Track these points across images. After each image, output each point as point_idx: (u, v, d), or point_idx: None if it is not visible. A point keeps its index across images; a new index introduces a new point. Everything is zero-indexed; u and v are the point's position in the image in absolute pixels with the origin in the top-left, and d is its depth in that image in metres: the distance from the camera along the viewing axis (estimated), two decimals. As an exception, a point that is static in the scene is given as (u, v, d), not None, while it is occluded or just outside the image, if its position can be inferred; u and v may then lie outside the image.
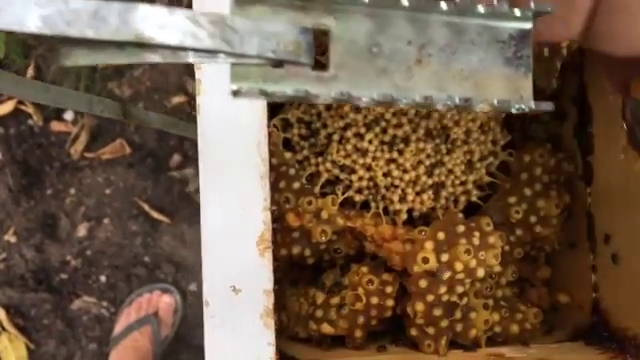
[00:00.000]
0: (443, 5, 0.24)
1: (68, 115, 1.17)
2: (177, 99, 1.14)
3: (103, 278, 1.17)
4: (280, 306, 0.47)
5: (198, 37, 0.21)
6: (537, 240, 0.45)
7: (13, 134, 1.17)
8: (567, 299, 0.46)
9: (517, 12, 0.25)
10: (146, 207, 1.13)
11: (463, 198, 0.45)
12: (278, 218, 0.44)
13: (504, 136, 0.45)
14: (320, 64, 0.23)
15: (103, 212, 1.18)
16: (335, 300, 0.44)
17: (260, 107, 0.33)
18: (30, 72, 1.10)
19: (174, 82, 1.15)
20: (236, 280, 0.33)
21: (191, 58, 0.22)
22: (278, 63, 0.23)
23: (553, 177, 0.45)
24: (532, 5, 0.25)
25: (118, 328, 1.11)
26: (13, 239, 1.18)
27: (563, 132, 0.48)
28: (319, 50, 0.23)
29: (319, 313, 0.44)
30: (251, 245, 0.34)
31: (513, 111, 0.25)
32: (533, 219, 0.43)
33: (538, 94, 0.45)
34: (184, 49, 0.22)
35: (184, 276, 1.16)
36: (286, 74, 0.23)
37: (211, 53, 0.21)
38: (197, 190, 1.11)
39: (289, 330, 0.46)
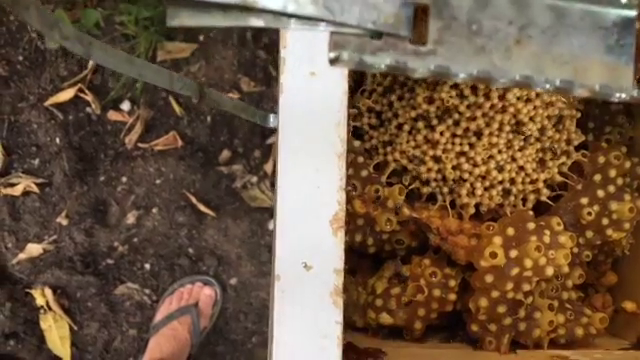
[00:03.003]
0: None
1: (125, 105, 1.20)
2: (231, 96, 1.15)
3: (147, 266, 1.19)
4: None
5: (300, 3, 0.22)
6: (607, 244, 0.44)
7: (72, 120, 1.21)
8: (633, 307, 0.45)
9: None
10: (193, 200, 1.15)
11: (532, 197, 0.44)
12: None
13: (578, 136, 0.44)
14: (419, 39, 0.23)
15: (152, 202, 1.20)
16: (396, 290, 0.44)
17: (341, 87, 0.34)
18: (91, 62, 1.13)
19: (229, 79, 1.16)
20: (308, 257, 0.34)
21: (293, 24, 0.22)
22: (377, 34, 0.23)
23: (627, 180, 0.44)
24: None
25: (159, 316, 1.13)
26: (65, 222, 1.21)
27: (638, 135, 0.46)
28: (419, 25, 0.23)
29: (379, 302, 0.44)
30: (325, 224, 0.34)
31: (614, 99, 0.25)
32: (605, 222, 0.42)
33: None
34: (286, 15, 0.22)
35: (225, 270, 1.17)
36: (384, 46, 0.23)
37: (312, 20, 0.21)
38: (243, 186, 1.13)
39: (346, 318, 0.46)
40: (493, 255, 0.40)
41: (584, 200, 0.43)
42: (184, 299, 1.15)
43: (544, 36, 0.24)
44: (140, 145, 1.18)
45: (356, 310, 0.46)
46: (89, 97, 1.19)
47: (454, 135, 0.43)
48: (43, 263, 1.21)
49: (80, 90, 1.19)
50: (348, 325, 0.46)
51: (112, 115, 1.19)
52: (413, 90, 0.44)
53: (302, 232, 0.34)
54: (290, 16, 0.22)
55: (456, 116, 0.43)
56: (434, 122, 0.43)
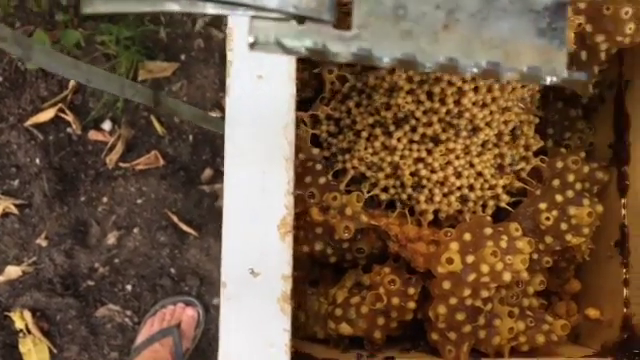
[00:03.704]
0: None
1: (106, 125, 1.19)
2: (213, 114, 1.15)
3: (129, 287, 1.18)
4: (299, 305, 0.46)
5: None
6: (567, 250, 0.43)
7: (52, 141, 1.20)
8: (597, 314, 0.44)
9: None
10: (175, 219, 1.14)
11: (492, 202, 0.44)
12: (302, 214, 0.44)
13: (537, 142, 0.44)
14: (344, 23, 0.23)
15: (133, 222, 1.19)
16: (355, 300, 0.43)
17: (289, 90, 0.33)
18: (72, 82, 1.13)
19: (210, 97, 1.16)
20: (255, 263, 0.33)
21: (210, 9, 0.22)
22: (300, 19, 0.22)
23: (586, 185, 0.43)
24: None
25: (140, 338, 1.11)
26: (44, 243, 1.19)
27: (598, 141, 0.46)
28: (344, 10, 0.23)
29: (338, 312, 0.43)
30: (272, 229, 0.33)
31: (545, 82, 0.24)
32: (564, 227, 0.42)
33: (572, 100, 0.44)
34: None
35: (208, 290, 1.16)
36: (306, 30, 0.23)
37: (231, 5, 0.21)
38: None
39: (307, 329, 0.45)
40: (450, 261, 0.40)
41: (542, 205, 0.42)
42: (166, 320, 1.13)
43: (473, 20, 0.24)
44: (121, 165, 1.17)
45: (317, 321, 0.45)
46: (70, 117, 1.18)
47: (411, 141, 0.43)
48: (22, 285, 1.19)
49: (60, 110, 1.18)
50: (309, 337, 0.45)
51: (93, 135, 1.19)
52: (370, 96, 0.43)
53: (249, 237, 0.33)
54: (206, 0, 0.22)
55: (413, 122, 0.43)
56: (391, 128, 0.43)
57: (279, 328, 0.33)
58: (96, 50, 1.14)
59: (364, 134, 0.43)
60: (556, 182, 0.43)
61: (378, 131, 0.43)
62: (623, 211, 0.44)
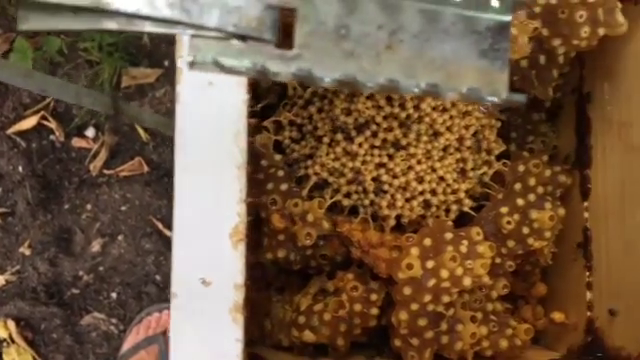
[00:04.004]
0: None
1: (89, 132, 1.19)
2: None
3: (114, 295, 1.17)
4: (265, 312, 0.46)
5: (155, 5, 0.21)
6: (531, 253, 0.43)
7: (35, 148, 1.19)
8: (562, 317, 0.44)
9: (495, 3, 0.25)
10: (160, 226, 1.14)
11: (455, 207, 0.44)
12: (265, 221, 0.43)
13: (499, 146, 0.44)
14: (285, 43, 0.23)
15: (118, 229, 1.18)
16: (319, 307, 0.43)
17: (240, 96, 0.33)
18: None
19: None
20: (206, 272, 0.33)
21: (148, 27, 0.22)
22: (240, 38, 0.22)
23: (548, 189, 0.43)
24: None
25: (126, 346, 1.10)
26: (28, 252, 1.19)
27: (562, 144, 0.46)
28: (287, 29, 0.23)
29: (301, 319, 0.43)
30: (224, 237, 0.33)
31: (486, 102, 0.24)
32: (526, 231, 0.42)
33: (535, 103, 0.44)
34: (141, 17, 0.22)
35: (194, 296, 1.15)
36: (247, 49, 0.22)
37: (169, 23, 0.21)
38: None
39: (273, 337, 0.45)
40: (409, 266, 0.39)
41: (504, 209, 0.42)
42: (152, 328, 1.12)
43: (416, 41, 0.24)
44: (105, 172, 1.16)
45: (282, 329, 0.45)
46: (52, 124, 1.17)
47: (372, 147, 0.43)
48: (6, 295, 1.18)
49: (43, 117, 1.18)
50: (275, 345, 0.45)
51: (76, 142, 1.18)
52: (332, 102, 0.43)
53: (200, 246, 0.33)
54: (145, 18, 0.21)
55: (373, 127, 0.42)
56: (353, 134, 0.43)
57: (231, 338, 0.32)
58: (79, 57, 1.13)
59: (326, 140, 0.43)
60: (518, 186, 0.43)
61: (339, 137, 0.43)
62: (586, 214, 0.44)
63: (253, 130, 0.44)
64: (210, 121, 0.33)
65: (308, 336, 0.42)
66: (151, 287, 1.15)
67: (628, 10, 0.38)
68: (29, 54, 1.15)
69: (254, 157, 0.44)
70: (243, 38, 0.22)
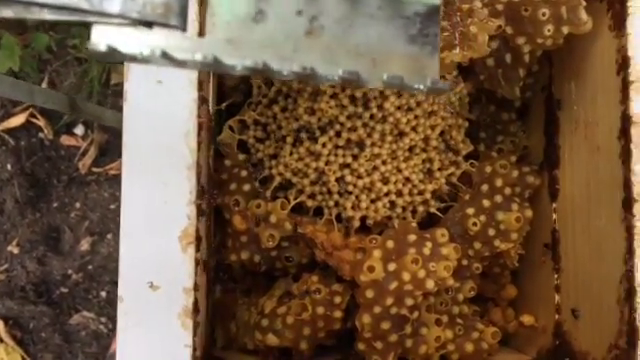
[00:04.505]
0: None
1: (78, 130, 1.18)
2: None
3: (103, 294, 1.16)
4: (230, 315, 0.45)
5: None
6: (497, 256, 0.42)
7: (23, 146, 1.19)
8: (531, 320, 0.43)
9: None
10: (148, 223, 1.13)
11: (421, 208, 0.43)
12: (228, 221, 0.43)
13: (466, 146, 0.43)
14: (196, 29, 0.22)
15: (107, 227, 1.18)
16: (282, 309, 0.42)
17: (190, 95, 0.32)
18: (44, 86, 1.12)
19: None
20: (154, 276, 0.32)
21: (47, 15, 0.21)
22: (146, 24, 0.21)
23: (516, 190, 0.42)
24: None
25: (115, 345, 1.09)
26: (16, 250, 1.18)
27: (532, 145, 0.46)
28: (200, 14, 0.22)
29: (265, 322, 0.42)
30: (173, 240, 0.32)
31: (411, 89, 0.23)
32: (492, 232, 0.41)
33: (505, 103, 0.44)
34: (38, 4, 0.21)
35: (183, 295, 1.15)
36: (149, 37, 0.21)
37: (69, 10, 0.20)
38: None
39: (238, 341, 0.44)
40: (371, 269, 0.39)
41: (470, 211, 0.42)
42: (141, 326, 1.12)
43: (338, 26, 0.23)
44: (94, 170, 1.16)
45: (247, 332, 0.44)
46: (41, 122, 1.17)
47: (336, 147, 0.42)
48: (-6, 293, 1.17)
49: (32, 115, 1.17)
50: (241, 348, 0.44)
51: (65, 140, 1.17)
52: (296, 101, 0.42)
53: (148, 250, 0.32)
54: (43, 5, 0.21)
55: (337, 127, 0.42)
56: (317, 134, 0.42)
57: (180, 344, 0.32)
58: (68, 54, 1.12)
59: (289, 139, 0.42)
60: (485, 187, 0.42)
61: (303, 136, 0.42)
62: (554, 215, 0.43)
63: (216, 129, 0.43)
64: (159, 120, 0.32)
65: (271, 339, 0.42)
66: (140, 286, 1.14)
67: (593, 8, 0.38)
68: (17, 51, 1.14)
69: (218, 156, 0.43)
70: (149, 25, 0.21)
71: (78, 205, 1.16)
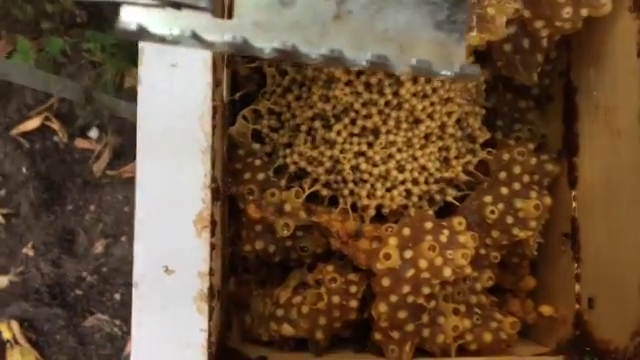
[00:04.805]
0: None
1: (93, 133, 1.19)
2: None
3: (117, 296, 1.17)
4: (245, 306, 0.45)
5: None
6: (517, 244, 0.42)
7: (38, 149, 1.19)
8: (551, 311, 0.42)
9: None
10: (161, 225, 1.13)
11: (438, 197, 0.42)
12: (243, 211, 0.42)
13: (483, 134, 0.43)
14: (224, 11, 0.22)
15: (121, 230, 1.18)
16: (298, 299, 0.42)
17: (205, 79, 0.32)
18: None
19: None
20: (169, 260, 0.32)
21: None
22: (174, 5, 0.21)
23: (535, 178, 0.42)
24: None
25: (129, 347, 1.09)
26: (31, 253, 1.19)
27: (550, 133, 0.45)
28: None
29: (280, 312, 0.42)
30: (188, 224, 0.32)
31: (439, 76, 0.23)
32: (510, 220, 0.40)
33: (523, 90, 0.43)
34: None
35: (197, 298, 1.15)
36: (178, 17, 0.21)
37: None
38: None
39: (253, 332, 0.44)
40: (387, 257, 0.38)
41: (488, 198, 0.41)
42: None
43: (366, 11, 0.23)
44: (108, 173, 1.16)
45: (262, 323, 0.44)
46: (56, 125, 1.17)
47: (351, 134, 0.41)
48: (9, 296, 1.18)
49: (47, 118, 1.18)
50: (255, 339, 0.44)
51: (80, 143, 1.18)
52: (310, 89, 0.42)
53: (163, 233, 0.32)
54: None
55: (352, 114, 0.41)
56: (331, 121, 0.42)
57: (195, 328, 0.31)
58: (82, 58, 1.13)
59: (304, 128, 0.42)
60: (502, 174, 0.41)
61: (318, 124, 0.42)
62: (574, 203, 0.42)
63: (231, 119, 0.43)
64: (174, 104, 0.32)
65: (287, 329, 0.41)
66: (154, 288, 1.14)
67: (612, -11, 0.37)
68: (32, 54, 1.15)
69: (232, 146, 0.43)
70: (178, 6, 0.21)
71: (92, 208, 1.16)
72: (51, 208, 1.15)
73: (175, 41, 0.21)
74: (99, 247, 1.16)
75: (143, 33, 0.21)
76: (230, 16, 0.22)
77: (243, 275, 0.47)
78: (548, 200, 0.41)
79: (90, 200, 1.16)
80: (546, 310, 0.43)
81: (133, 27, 0.21)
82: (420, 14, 0.23)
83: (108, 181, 1.16)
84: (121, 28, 0.21)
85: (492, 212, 0.41)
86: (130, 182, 1.14)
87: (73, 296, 1.14)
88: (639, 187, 0.36)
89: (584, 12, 0.37)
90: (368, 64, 0.23)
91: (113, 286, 1.15)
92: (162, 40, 0.21)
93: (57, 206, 1.16)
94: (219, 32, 0.21)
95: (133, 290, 0.31)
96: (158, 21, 0.21)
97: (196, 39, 0.21)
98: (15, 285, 1.15)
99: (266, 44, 0.22)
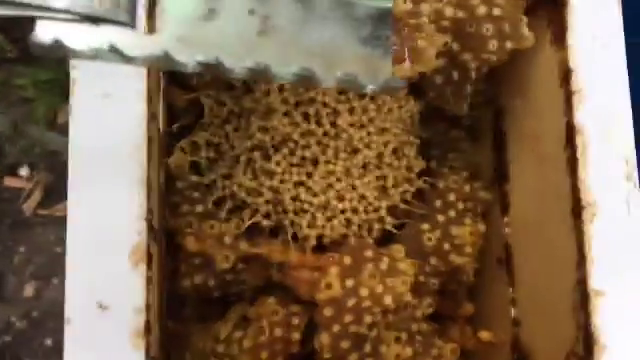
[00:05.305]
0: None
1: (23, 171, 1.14)
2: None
3: (49, 342, 1.11)
4: (184, 345, 0.44)
5: None
6: (453, 271, 0.42)
7: (-36, 189, 1.14)
8: (489, 336, 0.43)
9: None
10: (97, 265, 1.09)
11: (377, 226, 0.43)
12: (181, 246, 0.42)
13: (419, 162, 0.44)
14: (145, 26, 0.22)
15: (53, 271, 1.13)
16: (238, 334, 0.41)
17: (140, 109, 0.32)
18: None
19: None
20: (103, 296, 0.30)
21: None
22: (93, 20, 0.21)
23: (469, 205, 0.43)
24: None
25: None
26: (-44, 297, 1.12)
27: (483, 161, 0.46)
28: (150, 12, 0.21)
29: (221, 348, 0.41)
30: (122, 257, 0.31)
31: (364, 89, 0.24)
32: (447, 247, 0.41)
33: (455, 121, 0.44)
34: None
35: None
36: (97, 32, 0.21)
37: (13, 5, 0.20)
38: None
39: (192, 370, 0.43)
40: (328, 286, 0.38)
41: (425, 226, 0.42)
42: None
43: (291, 26, 0.23)
44: (39, 212, 1.11)
45: None
46: (-18, 164, 1.12)
47: (291, 164, 0.42)
48: None
49: (-27, 157, 1.12)
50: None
51: (9, 181, 1.13)
52: (248, 120, 0.42)
53: (96, 268, 0.31)
54: None
55: (291, 145, 0.41)
56: (270, 152, 0.42)
57: (131, 365, 0.30)
58: (13, 94, 1.09)
59: (243, 159, 0.42)
60: (438, 202, 0.43)
61: (257, 155, 0.42)
62: (506, 229, 0.44)
63: (168, 151, 0.43)
64: (107, 134, 0.31)
65: (227, 365, 0.40)
66: (89, 332, 1.09)
67: (534, 23, 0.39)
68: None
69: (169, 179, 0.42)
70: (96, 20, 0.21)
71: (22, 249, 1.11)
72: (-23, 250, 1.10)
73: (93, 55, 0.21)
74: (29, 290, 1.10)
75: (59, 47, 0.20)
76: (152, 31, 0.22)
77: (182, 311, 0.45)
78: (482, 227, 0.42)
79: (20, 241, 1.11)
80: (485, 335, 0.43)
81: (48, 41, 0.20)
82: (344, 30, 0.24)
83: (39, 221, 1.11)
84: (36, 43, 0.20)
85: (429, 239, 0.41)
86: (62, 221, 1.10)
87: (1, 343, 1.08)
88: (567, 211, 0.37)
89: (509, 45, 0.39)
90: (294, 77, 0.23)
91: (44, 331, 1.09)
92: (80, 54, 0.21)
93: (-16, 248, 1.11)
94: (140, 46, 0.21)
95: (65, 328, 0.30)
96: (75, 35, 0.21)
97: (115, 52, 0.21)
98: (-63, 333, 1.08)
99: (189, 58, 0.22)
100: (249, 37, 0.23)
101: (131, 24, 0.21)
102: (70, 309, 0.30)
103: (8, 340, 1.09)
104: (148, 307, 0.31)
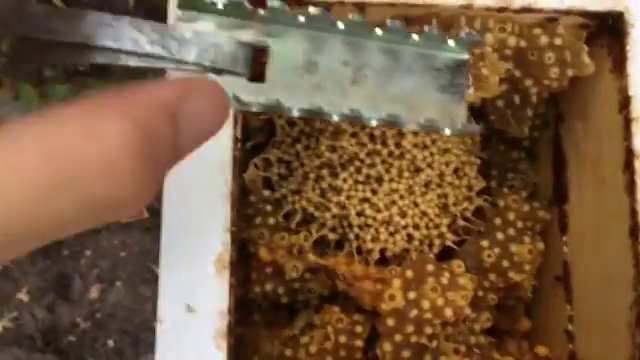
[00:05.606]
0: (378, 31, 0.27)
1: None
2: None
3: (111, 342, 1.16)
4: (253, 348, 0.47)
5: (138, 43, 0.24)
6: (512, 287, 0.44)
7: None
8: (546, 351, 0.44)
9: (451, 43, 0.28)
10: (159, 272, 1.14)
11: (438, 241, 0.45)
12: (253, 255, 0.45)
13: (479, 182, 0.46)
14: (257, 76, 0.25)
15: (116, 275, 1.18)
16: (305, 339, 0.44)
17: (227, 132, 0.35)
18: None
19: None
20: (191, 299, 0.34)
21: (133, 62, 0.24)
22: (216, 71, 0.25)
23: (528, 224, 0.45)
24: (463, 35, 0.27)
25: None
26: (26, 298, 1.18)
27: (541, 181, 0.48)
28: (259, 64, 0.25)
29: (288, 352, 0.44)
30: (208, 265, 0.34)
31: (445, 132, 0.27)
32: (506, 264, 0.43)
33: (515, 142, 0.46)
34: (125, 52, 0.24)
35: (191, 344, 1.14)
36: (222, 82, 0.25)
37: (152, 58, 0.24)
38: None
39: (260, 373, 0.46)
40: (392, 297, 0.40)
41: (484, 243, 0.44)
42: (148, 376, 1.11)
43: (379, 76, 0.27)
44: (105, 218, 1.17)
45: (270, 363, 0.45)
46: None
47: (357, 182, 0.44)
48: (2, 342, 1.17)
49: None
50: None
51: (78, 189, 1.19)
52: (318, 140, 0.45)
53: (186, 274, 0.34)
54: (130, 53, 0.24)
55: (357, 163, 0.44)
56: (338, 170, 0.45)
57: (214, 364, 0.33)
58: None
59: (312, 176, 0.45)
60: (498, 220, 0.44)
61: (325, 172, 0.45)
62: (565, 248, 0.45)
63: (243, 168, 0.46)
64: (197, 153, 0.35)
65: (294, 369, 0.43)
66: (148, 334, 1.14)
67: (595, 52, 0.41)
68: (35, 101, 1.18)
69: (244, 193, 0.46)
70: (218, 72, 0.24)
71: (88, 253, 1.17)
72: (47, 253, 1.16)
73: None
74: (94, 292, 1.16)
75: None
76: (263, 80, 0.26)
77: (250, 317, 0.49)
78: (541, 245, 0.44)
79: (86, 245, 1.17)
80: (542, 351, 0.45)
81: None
82: (426, 79, 0.27)
83: (104, 226, 1.17)
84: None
85: (489, 256, 0.43)
86: (127, 227, 1.16)
87: (66, 342, 1.14)
88: (624, 232, 0.39)
89: (570, 72, 0.41)
90: (382, 122, 0.26)
91: (107, 332, 1.15)
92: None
93: (53, 251, 1.17)
94: (255, 94, 0.25)
95: (157, 327, 0.34)
96: None
97: (236, 100, 0.24)
98: (9, 331, 1.15)
99: (294, 104, 0.25)
100: (343, 86, 0.26)
101: (247, 75, 0.25)
102: (162, 310, 0.34)
103: (73, 340, 1.15)
104: (230, 311, 0.34)
